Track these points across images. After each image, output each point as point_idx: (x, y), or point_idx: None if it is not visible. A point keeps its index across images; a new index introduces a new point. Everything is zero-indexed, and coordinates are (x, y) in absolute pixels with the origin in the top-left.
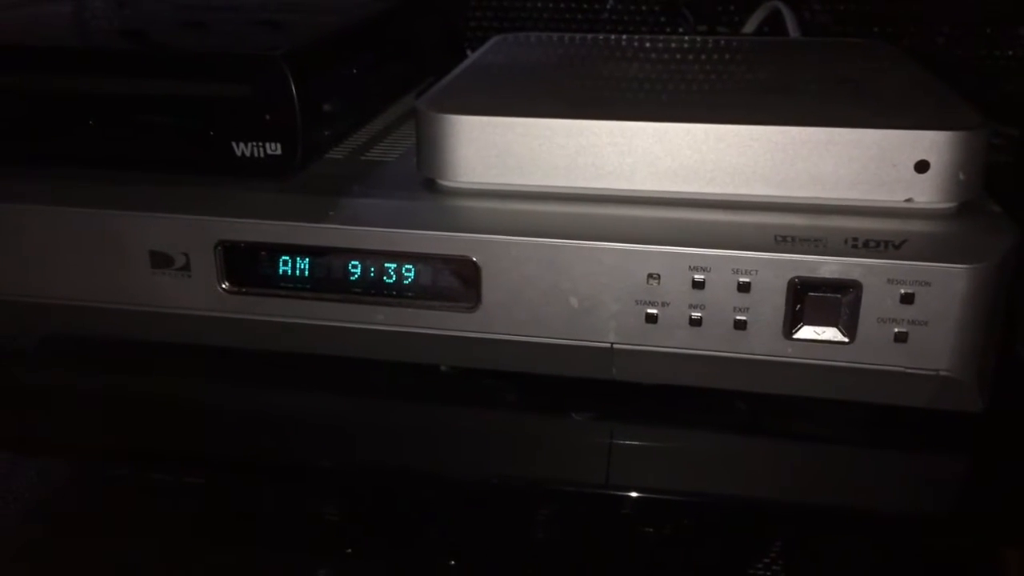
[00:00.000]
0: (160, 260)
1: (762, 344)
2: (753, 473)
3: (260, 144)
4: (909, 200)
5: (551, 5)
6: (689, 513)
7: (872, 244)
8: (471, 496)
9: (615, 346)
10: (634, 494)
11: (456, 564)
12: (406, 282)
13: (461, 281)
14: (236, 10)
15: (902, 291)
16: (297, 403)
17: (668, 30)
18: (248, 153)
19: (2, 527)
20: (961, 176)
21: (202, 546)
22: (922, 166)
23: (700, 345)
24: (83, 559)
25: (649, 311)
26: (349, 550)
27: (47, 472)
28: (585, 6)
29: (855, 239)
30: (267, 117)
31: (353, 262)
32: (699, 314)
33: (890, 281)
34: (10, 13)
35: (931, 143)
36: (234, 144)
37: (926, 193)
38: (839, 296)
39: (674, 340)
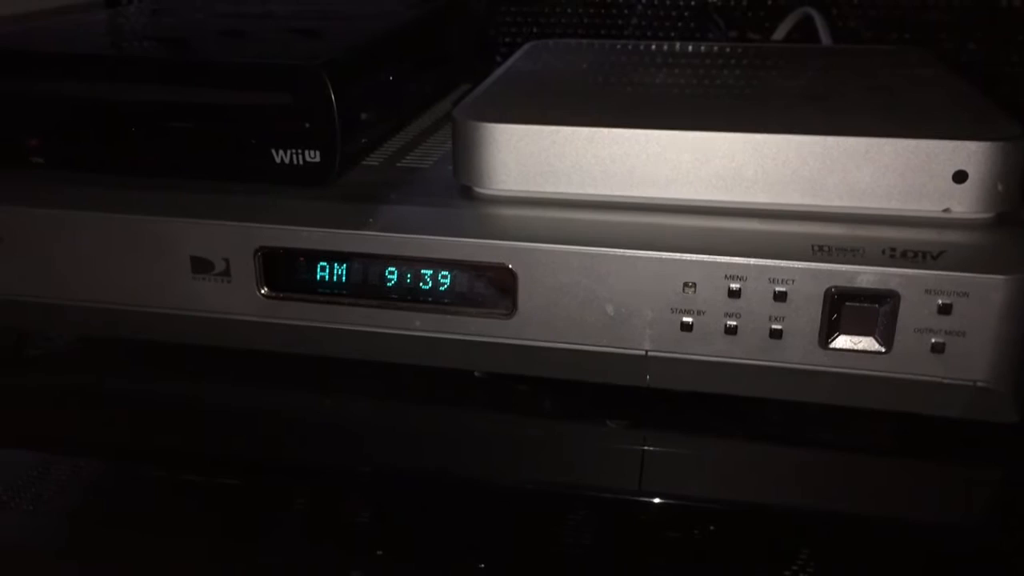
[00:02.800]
0: (201, 265)
1: (798, 353)
2: (785, 481)
3: (299, 152)
4: (947, 210)
5: (580, 11)
6: (721, 520)
7: (910, 254)
8: (504, 501)
9: (650, 354)
10: (667, 501)
11: (486, 568)
12: (442, 289)
13: (497, 288)
14: (273, 18)
15: (940, 301)
16: (331, 407)
17: (697, 35)
18: (287, 160)
19: (36, 528)
20: (1000, 187)
21: (231, 548)
22: (960, 176)
23: (735, 354)
24: (113, 559)
25: (685, 319)
26: (380, 552)
27: (81, 472)
28: (614, 11)
29: (893, 249)
30: (306, 125)
31: (390, 268)
32: (735, 323)
33: (928, 291)
34: (51, 22)
35: (970, 153)
36: (274, 151)
37: (964, 203)
38: (876, 306)
39: (709, 348)
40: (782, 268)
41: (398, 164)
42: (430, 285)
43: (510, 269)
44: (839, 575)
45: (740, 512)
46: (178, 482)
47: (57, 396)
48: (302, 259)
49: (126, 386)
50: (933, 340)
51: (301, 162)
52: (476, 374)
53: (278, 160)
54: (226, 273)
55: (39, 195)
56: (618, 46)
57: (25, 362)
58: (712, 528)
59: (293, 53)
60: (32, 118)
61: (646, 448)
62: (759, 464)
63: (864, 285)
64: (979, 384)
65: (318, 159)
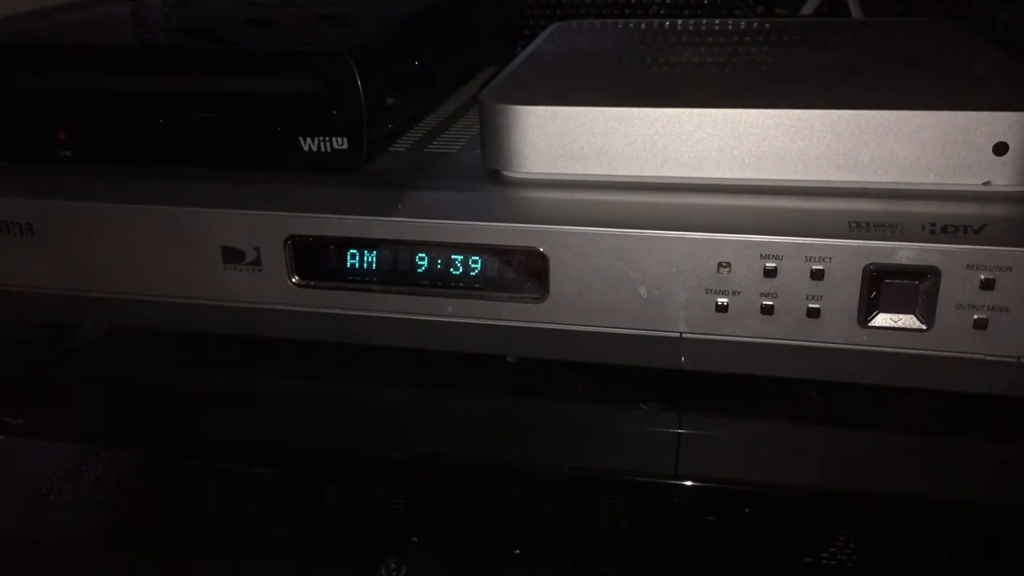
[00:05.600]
0: (231, 255)
1: (836, 332)
2: (822, 462)
3: (327, 139)
4: (987, 183)
5: None
6: (758, 502)
7: (950, 229)
8: (540, 485)
9: (684, 335)
10: (703, 484)
11: (522, 553)
12: (473, 274)
13: (529, 272)
14: (297, 5)
15: (982, 277)
16: (368, 394)
17: (724, 12)
18: (315, 148)
19: (78, 517)
20: None
21: (270, 535)
22: (1000, 148)
23: (772, 334)
24: (152, 548)
25: (720, 300)
26: (415, 539)
27: (119, 462)
28: None
29: (932, 224)
30: (334, 112)
31: (420, 254)
32: (771, 302)
33: (969, 267)
34: (80, 14)
35: (1010, 125)
36: (301, 139)
37: (1005, 176)
38: (916, 283)
39: (745, 329)
40: (819, 246)
41: (425, 149)
42: (461, 270)
43: (541, 253)
44: (878, 555)
45: (778, 494)
46: (214, 471)
47: (93, 388)
48: (332, 247)
49: (160, 377)
50: (975, 316)
51: (329, 149)
52: (508, 359)
53: (306, 148)
54: (257, 262)
55: (70, 188)
56: (643, 25)
57: (62, 354)
58: (749, 510)
59: (319, 40)
60: (60, 111)
61: (682, 431)
62: (795, 445)
63: (903, 261)
64: (1023, 360)
65: (346, 146)
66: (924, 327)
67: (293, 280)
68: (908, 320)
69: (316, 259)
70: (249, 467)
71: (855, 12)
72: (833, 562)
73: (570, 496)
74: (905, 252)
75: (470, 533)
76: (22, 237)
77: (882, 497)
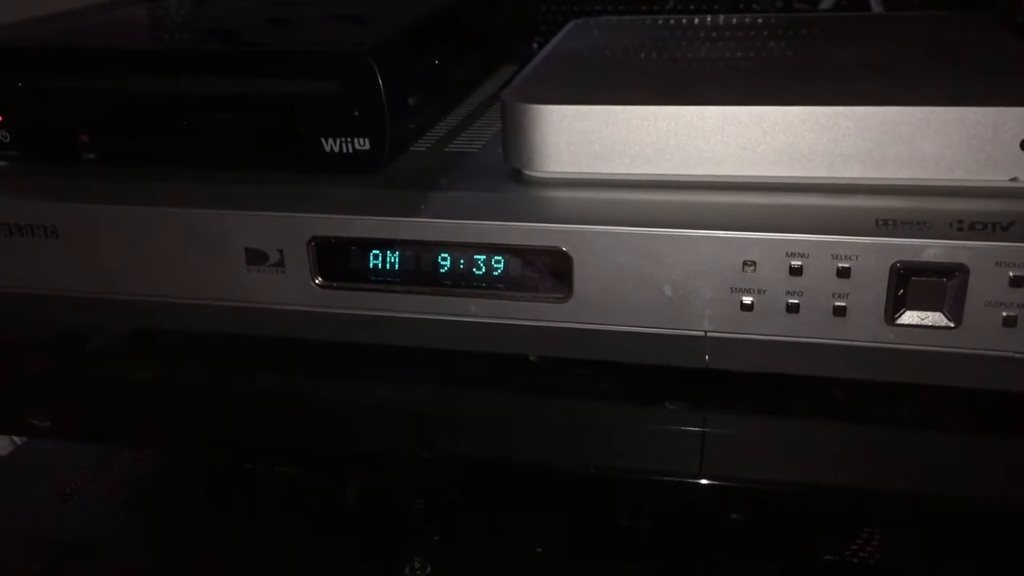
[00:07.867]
0: (255, 257)
1: (863, 330)
2: (846, 461)
3: (349, 139)
4: (1014, 179)
5: None
6: (782, 500)
7: (978, 226)
8: (564, 485)
9: (709, 334)
10: (728, 483)
11: (544, 552)
12: (496, 274)
13: (552, 272)
14: (317, 5)
15: (1011, 274)
16: (391, 394)
17: (742, 7)
18: (337, 148)
19: (102, 516)
20: None
21: (295, 535)
22: None
23: (798, 332)
24: (175, 547)
25: (745, 299)
26: (437, 538)
27: (141, 463)
28: None
29: (960, 221)
30: (356, 113)
31: (443, 255)
32: (796, 301)
33: (998, 264)
34: (99, 16)
35: None
36: (323, 140)
37: None
38: (944, 280)
39: (770, 328)
40: (845, 244)
41: (446, 149)
42: (484, 270)
43: (565, 252)
44: (902, 551)
45: (802, 492)
46: (237, 471)
47: (117, 389)
48: (355, 248)
49: (183, 378)
50: (1004, 313)
51: (351, 150)
52: (531, 359)
53: (328, 149)
54: (280, 264)
55: (94, 191)
56: (661, 21)
57: (85, 356)
58: (772, 509)
59: (339, 40)
60: (83, 113)
61: (706, 430)
62: (820, 444)
63: (931, 259)
64: None
65: (368, 146)
66: (952, 325)
67: (316, 281)
68: (936, 318)
69: (339, 260)
70: (273, 467)
71: (875, 6)
72: (855, 560)
73: (593, 495)
74: (933, 249)
75: (493, 532)
76: (47, 240)
77: (906, 495)
